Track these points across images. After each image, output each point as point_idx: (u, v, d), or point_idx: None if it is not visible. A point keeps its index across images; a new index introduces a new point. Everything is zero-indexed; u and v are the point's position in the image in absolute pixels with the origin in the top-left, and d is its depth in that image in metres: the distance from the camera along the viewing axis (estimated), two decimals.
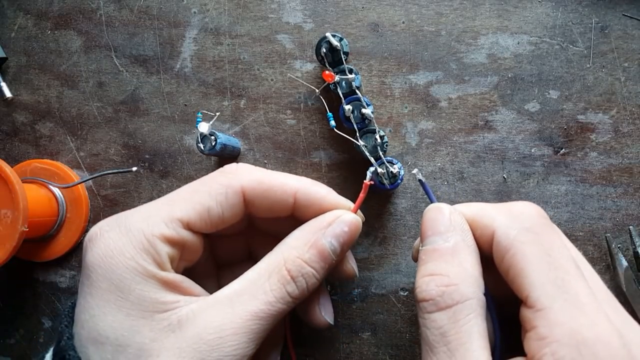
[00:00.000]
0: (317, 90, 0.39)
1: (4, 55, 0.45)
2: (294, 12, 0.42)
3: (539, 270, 0.26)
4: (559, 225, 0.37)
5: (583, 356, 0.23)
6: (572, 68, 0.40)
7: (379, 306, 0.41)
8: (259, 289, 0.30)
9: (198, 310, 0.29)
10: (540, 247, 0.27)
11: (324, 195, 0.33)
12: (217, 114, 0.42)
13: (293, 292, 0.30)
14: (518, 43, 0.41)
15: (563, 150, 0.40)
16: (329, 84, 0.38)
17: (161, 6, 0.44)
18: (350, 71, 0.38)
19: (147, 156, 0.44)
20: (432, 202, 0.33)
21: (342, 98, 0.38)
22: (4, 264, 0.38)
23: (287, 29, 0.42)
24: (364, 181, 0.35)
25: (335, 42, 0.38)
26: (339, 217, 0.33)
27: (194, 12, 0.43)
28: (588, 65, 0.40)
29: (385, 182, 0.38)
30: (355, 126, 0.38)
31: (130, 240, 0.29)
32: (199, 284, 0.32)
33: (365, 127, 0.38)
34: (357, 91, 0.38)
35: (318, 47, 0.38)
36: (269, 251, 0.32)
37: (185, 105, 0.43)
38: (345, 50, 0.38)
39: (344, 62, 0.38)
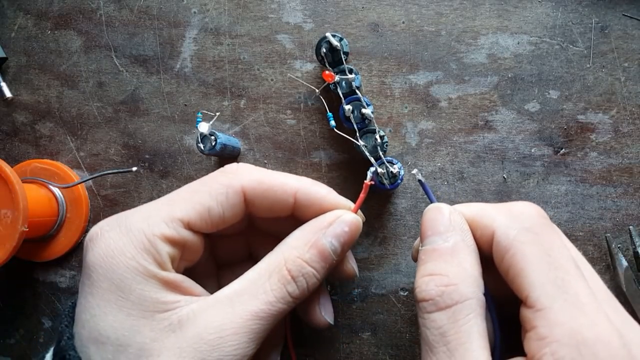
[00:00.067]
0: (317, 90, 0.39)
1: (4, 55, 0.45)
2: (294, 12, 0.42)
3: (539, 270, 0.26)
4: (559, 225, 0.37)
5: (583, 356, 0.23)
6: (572, 68, 0.40)
7: (379, 306, 0.41)
8: (260, 289, 0.30)
9: (198, 310, 0.29)
10: (540, 247, 0.27)
11: (324, 195, 0.33)
12: (217, 114, 0.42)
13: (293, 292, 0.30)
14: (518, 43, 0.41)
15: (563, 150, 0.40)
16: (329, 84, 0.38)
17: (161, 6, 0.44)
18: (350, 71, 0.38)
19: (147, 156, 0.44)
20: (431, 202, 0.33)
21: (342, 98, 0.38)
22: (4, 264, 0.38)
23: (287, 29, 0.42)
24: (365, 181, 0.35)
25: (335, 42, 0.38)
26: (339, 217, 0.33)
27: (194, 12, 0.43)
28: (588, 65, 0.40)
29: (385, 182, 0.38)
30: (355, 126, 0.38)
31: (130, 240, 0.29)
32: (199, 283, 0.32)
33: (365, 127, 0.38)
34: (357, 91, 0.38)
35: (318, 47, 0.38)
36: (269, 251, 0.32)
37: (185, 105, 0.43)
38: (345, 50, 0.38)
39: (344, 62, 0.38)
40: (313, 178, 0.35)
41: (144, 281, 0.28)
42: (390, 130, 0.41)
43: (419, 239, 0.33)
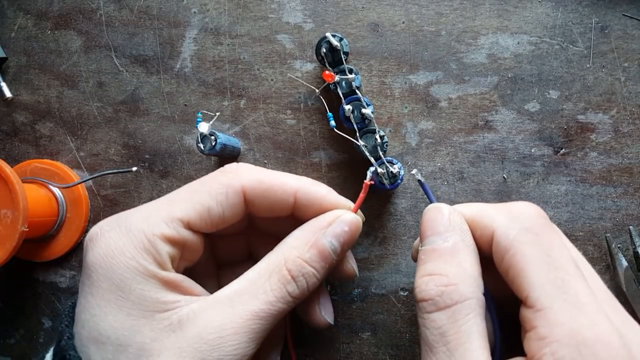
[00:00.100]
0: (317, 90, 0.39)
1: (4, 55, 0.45)
2: (294, 12, 0.42)
3: (539, 271, 0.26)
4: (559, 225, 0.37)
5: (583, 356, 0.23)
6: (572, 68, 0.40)
7: (379, 306, 0.41)
8: (260, 289, 0.30)
9: (198, 310, 0.29)
10: (540, 247, 0.27)
11: (324, 195, 0.33)
12: (217, 114, 0.42)
13: (293, 292, 0.30)
14: (518, 43, 0.41)
15: (563, 150, 0.40)
16: (329, 84, 0.38)
17: (161, 6, 0.44)
18: (350, 71, 0.38)
19: (147, 156, 0.44)
20: (431, 202, 0.33)
21: (342, 98, 0.38)
22: (4, 264, 0.38)
23: (287, 29, 0.42)
24: (364, 181, 0.35)
25: (335, 42, 0.38)
26: (339, 217, 0.33)
27: (194, 12, 0.43)
28: (588, 65, 0.40)
29: (385, 182, 0.38)
30: (355, 126, 0.38)
31: (130, 240, 0.29)
32: (199, 283, 0.32)
33: (365, 127, 0.38)
34: (357, 91, 0.38)
35: (318, 47, 0.38)
36: (269, 251, 0.32)
37: (185, 105, 0.43)
38: (345, 50, 0.38)
39: (344, 62, 0.38)
40: (313, 178, 0.35)
41: (144, 281, 0.28)
42: (390, 130, 0.41)
43: (418, 239, 0.33)
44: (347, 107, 0.38)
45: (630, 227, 0.39)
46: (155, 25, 0.44)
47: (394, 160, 0.38)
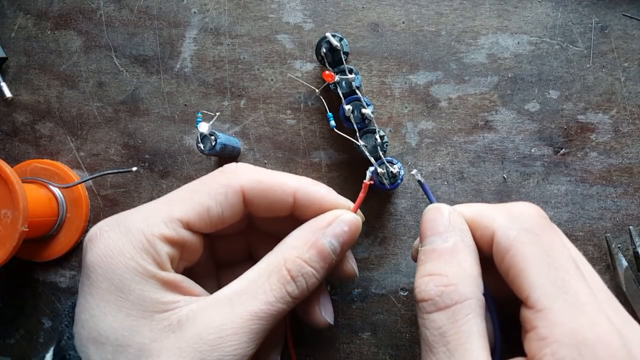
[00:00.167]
0: (317, 90, 0.39)
1: (4, 55, 0.45)
2: (294, 12, 0.42)
3: (539, 271, 0.26)
4: (559, 225, 0.37)
5: (583, 356, 0.23)
6: (572, 68, 0.40)
7: (379, 306, 0.41)
8: (259, 289, 0.30)
9: (198, 310, 0.29)
10: (540, 247, 0.27)
11: (323, 194, 0.33)
12: (217, 114, 0.42)
13: (293, 292, 0.30)
14: (518, 43, 0.41)
15: (563, 150, 0.40)
16: (329, 84, 0.38)
17: (161, 6, 0.44)
18: (350, 71, 0.38)
19: (147, 156, 0.44)
20: (431, 202, 0.33)
21: (342, 98, 0.38)
22: (4, 264, 0.38)
23: (287, 29, 0.42)
24: (364, 181, 0.35)
25: (335, 42, 0.38)
26: (338, 217, 0.33)
27: (194, 12, 0.43)
28: (588, 65, 0.40)
29: (385, 182, 0.38)
30: (355, 126, 0.38)
31: (130, 240, 0.29)
32: (199, 284, 0.32)
33: (365, 127, 0.38)
34: (357, 91, 0.38)
35: (318, 47, 0.38)
36: (269, 251, 0.32)
37: (185, 105, 0.43)
38: (345, 50, 0.38)
39: (344, 62, 0.38)
40: (313, 178, 0.35)
41: (143, 281, 0.28)
42: (390, 130, 0.41)
43: (418, 239, 0.33)
44: (347, 107, 0.38)
45: (630, 227, 0.39)
46: (155, 25, 0.44)
47: (394, 160, 0.38)
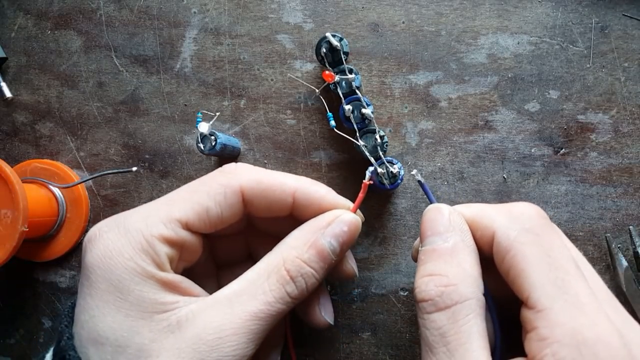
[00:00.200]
0: (317, 90, 0.39)
1: (4, 55, 0.45)
2: (294, 12, 0.42)
3: (539, 271, 0.26)
4: (559, 225, 0.37)
5: (584, 356, 0.23)
6: (572, 68, 0.40)
7: (379, 306, 0.41)
8: (258, 289, 0.30)
9: (197, 310, 0.29)
10: (540, 247, 0.27)
11: (323, 194, 0.33)
12: (217, 114, 0.42)
13: (292, 292, 0.30)
14: (518, 43, 0.41)
15: (563, 150, 0.40)
16: (329, 84, 0.38)
17: (161, 6, 0.44)
18: (350, 71, 0.38)
19: (147, 156, 0.44)
20: (431, 202, 0.33)
21: (342, 98, 0.38)
22: (4, 264, 0.38)
23: (287, 29, 0.42)
24: (363, 181, 0.35)
25: (335, 42, 0.38)
26: (338, 217, 0.33)
27: (194, 12, 0.43)
28: (588, 65, 0.40)
29: (385, 182, 0.38)
30: (355, 126, 0.38)
31: (129, 241, 0.29)
32: (198, 284, 0.32)
33: (365, 127, 0.38)
34: (357, 91, 0.38)
35: (318, 47, 0.38)
36: (268, 251, 0.32)
37: (185, 105, 0.43)
38: (345, 50, 0.38)
39: (344, 62, 0.38)
40: (313, 178, 0.35)
41: (142, 282, 0.28)
42: (390, 130, 0.41)
43: (418, 239, 0.33)
44: (347, 107, 0.38)
45: (630, 227, 0.39)
46: (155, 25, 0.44)
47: (394, 160, 0.38)
